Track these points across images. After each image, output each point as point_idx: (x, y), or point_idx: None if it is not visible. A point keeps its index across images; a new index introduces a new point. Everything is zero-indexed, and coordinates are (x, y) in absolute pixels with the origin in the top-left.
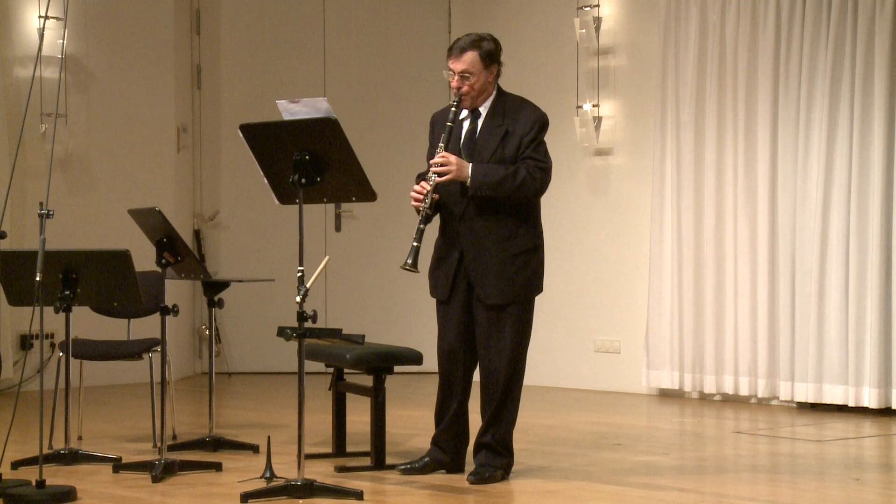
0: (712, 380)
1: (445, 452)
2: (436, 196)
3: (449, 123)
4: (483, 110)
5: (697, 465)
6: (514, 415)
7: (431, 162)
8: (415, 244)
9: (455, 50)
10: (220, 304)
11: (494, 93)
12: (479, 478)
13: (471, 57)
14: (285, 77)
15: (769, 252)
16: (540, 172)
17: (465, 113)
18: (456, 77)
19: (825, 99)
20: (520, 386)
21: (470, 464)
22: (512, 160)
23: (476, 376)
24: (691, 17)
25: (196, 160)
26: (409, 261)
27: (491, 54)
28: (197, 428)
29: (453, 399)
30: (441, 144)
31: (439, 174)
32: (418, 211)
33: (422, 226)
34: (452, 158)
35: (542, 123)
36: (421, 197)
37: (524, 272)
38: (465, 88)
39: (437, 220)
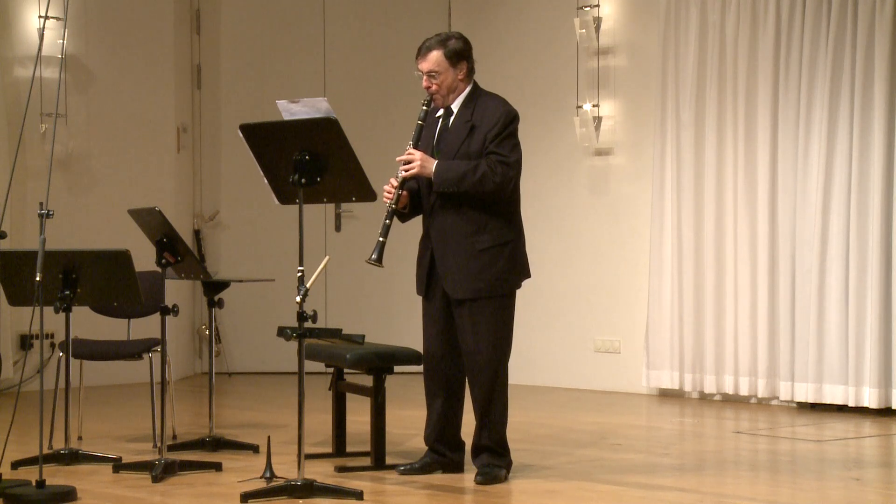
0: (712, 380)
1: (439, 452)
2: (403, 192)
3: (419, 122)
4: (455, 107)
5: (697, 465)
6: (505, 414)
7: (398, 159)
8: (380, 239)
9: (422, 50)
10: (220, 304)
11: (468, 90)
12: (488, 477)
13: (436, 56)
14: (285, 77)
15: (769, 252)
16: (501, 167)
17: (440, 111)
18: (425, 77)
19: (825, 99)
20: (504, 384)
21: (468, 464)
22: (477, 155)
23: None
24: (691, 17)
25: (196, 160)
26: (374, 255)
27: (458, 53)
28: (197, 428)
29: (436, 397)
30: (410, 142)
31: (405, 170)
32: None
33: (387, 221)
34: (417, 154)
35: (508, 118)
36: (391, 193)
37: (493, 268)
38: (433, 87)
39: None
